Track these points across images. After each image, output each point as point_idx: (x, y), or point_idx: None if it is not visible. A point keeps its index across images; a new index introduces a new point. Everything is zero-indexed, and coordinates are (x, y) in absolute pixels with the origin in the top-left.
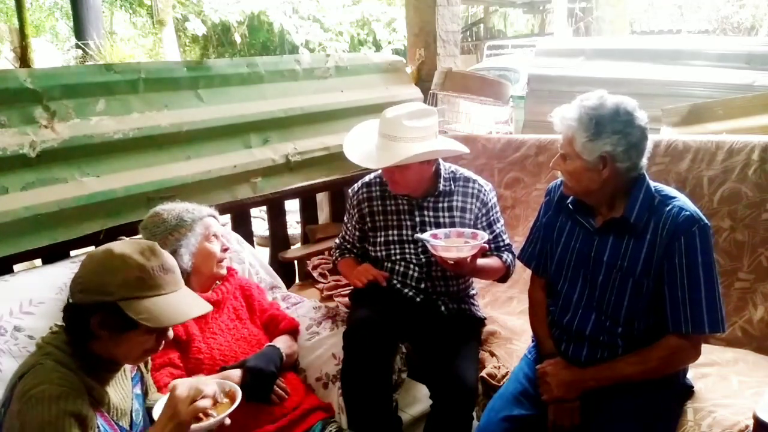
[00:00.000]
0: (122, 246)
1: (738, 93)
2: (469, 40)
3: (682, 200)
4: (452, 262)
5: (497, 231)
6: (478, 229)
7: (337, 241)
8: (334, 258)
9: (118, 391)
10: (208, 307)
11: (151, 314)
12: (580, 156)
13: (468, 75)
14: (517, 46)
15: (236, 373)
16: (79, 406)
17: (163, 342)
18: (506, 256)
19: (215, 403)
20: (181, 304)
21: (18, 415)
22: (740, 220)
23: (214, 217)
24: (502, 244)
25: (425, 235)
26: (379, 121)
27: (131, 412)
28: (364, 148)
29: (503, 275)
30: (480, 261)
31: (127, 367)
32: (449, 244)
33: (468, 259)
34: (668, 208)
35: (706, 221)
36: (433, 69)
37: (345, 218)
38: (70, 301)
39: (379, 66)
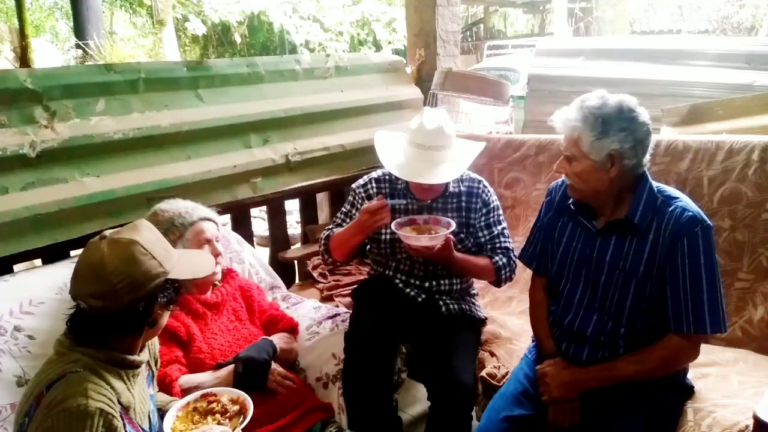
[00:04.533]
0: (140, 237)
1: (738, 93)
2: (469, 40)
3: (685, 201)
4: (418, 249)
5: (495, 232)
6: (476, 227)
7: (329, 227)
8: (326, 233)
9: (140, 394)
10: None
11: (196, 269)
12: (588, 156)
13: (468, 75)
14: (517, 46)
15: (228, 369)
16: (109, 420)
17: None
18: (499, 258)
19: (226, 412)
20: (193, 256)
21: (44, 426)
22: (740, 220)
23: (210, 219)
24: (498, 246)
25: (402, 219)
26: (416, 133)
27: (149, 413)
28: (412, 164)
29: (494, 279)
30: (458, 254)
31: (142, 367)
32: (411, 232)
33: (434, 248)
34: (671, 209)
35: (709, 222)
36: (433, 69)
37: (344, 208)
38: (114, 307)
39: (379, 66)
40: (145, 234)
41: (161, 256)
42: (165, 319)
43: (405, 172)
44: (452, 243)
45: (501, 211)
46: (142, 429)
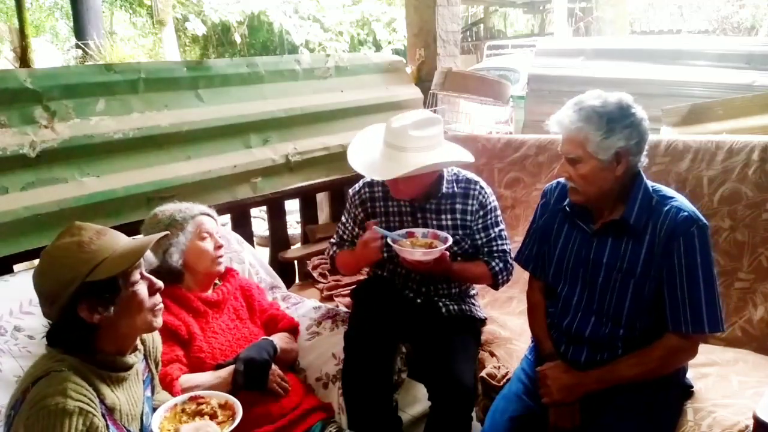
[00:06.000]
0: (50, 246)
1: (738, 93)
2: (469, 40)
3: (680, 200)
4: (412, 263)
5: (493, 235)
6: (473, 229)
7: (333, 239)
8: (331, 253)
9: (130, 396)
10: (159, 234)
11: (118, 263)
12: (594, 156)
13: (468, 75)
14: (517, 46)
15: (229, 369)
16: (90, 419)
17: (156, 292)
18: (495, 263)
19: (215, 416)
20: (134, 241)
21: (25, 423)
22: (740, 220)
23: (208, 215)
24: (495, 249)
25: (400, 232)
26: (384, 130)
27: (141, 415)
28: (369, 156)
29: (492, 283)
30: (456, 265)
31: (139, 369)
32: (405, 246)
33: (429, 262)
34: (666, 209)
35: (705, 221)
36: (433, 69)
37: (343, 218)
38: (51, 323)
39: (379, 66)
40: (63, 240)
41: (77, 259)
42: (125, 315)
43: (356, 160)
44: (448, 255)
45: (499, 213)
46: (128, 431)
